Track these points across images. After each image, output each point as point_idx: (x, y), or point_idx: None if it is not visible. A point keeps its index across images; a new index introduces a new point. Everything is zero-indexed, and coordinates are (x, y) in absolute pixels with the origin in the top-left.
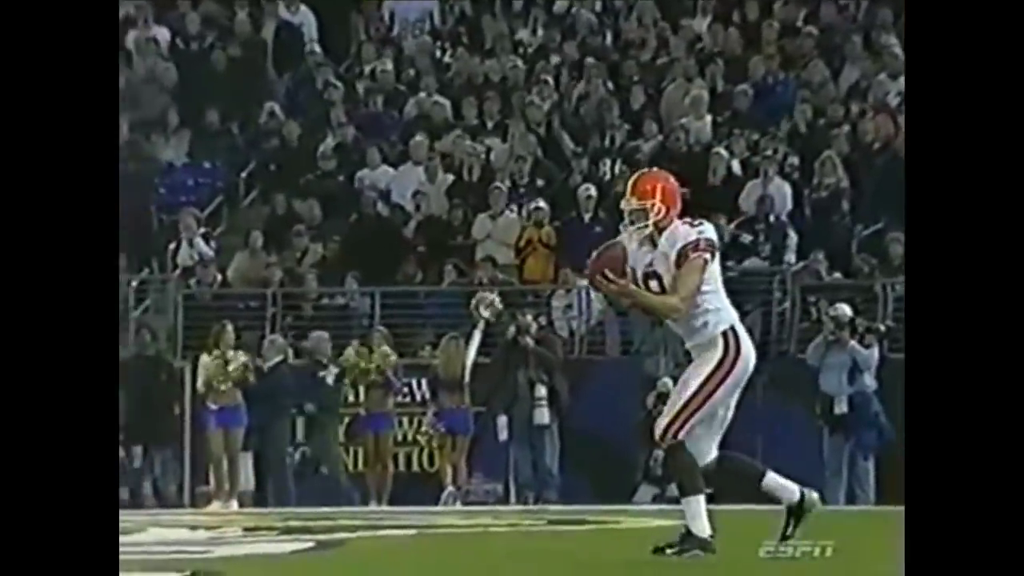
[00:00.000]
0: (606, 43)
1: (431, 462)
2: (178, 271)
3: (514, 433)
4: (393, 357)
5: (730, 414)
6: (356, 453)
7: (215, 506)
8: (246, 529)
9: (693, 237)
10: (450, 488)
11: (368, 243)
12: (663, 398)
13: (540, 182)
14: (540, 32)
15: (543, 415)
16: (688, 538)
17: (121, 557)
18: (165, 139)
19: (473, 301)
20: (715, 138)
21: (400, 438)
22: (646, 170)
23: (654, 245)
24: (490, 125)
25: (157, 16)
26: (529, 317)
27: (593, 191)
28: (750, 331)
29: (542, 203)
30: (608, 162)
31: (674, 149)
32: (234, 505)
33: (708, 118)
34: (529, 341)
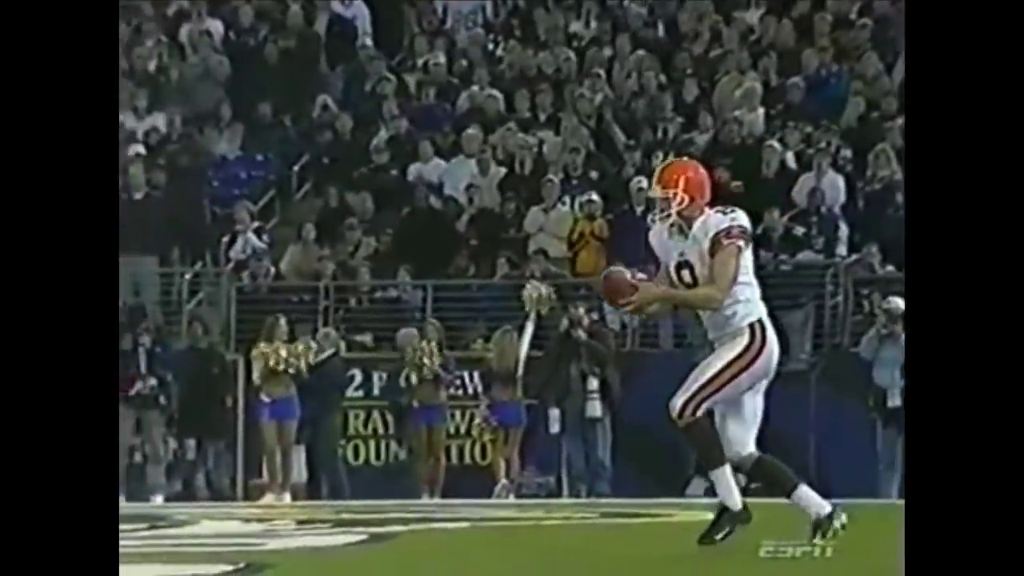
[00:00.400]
0: (659, 35)
1: (484, 455)
2: (231, 264)
3: (567, 426)
4: (445, 350)
5: (760, 406)
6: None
7: (268, 498)
8: (299, 522)
9: (725, 224)
10: (503, 481)
11: (420, 236)
12: None
13: (593, 175)
14: (593, 24)
15: (595, 408)
16: (725, 516)
17: (175, 549)
18: (218, 132)
19: (529, 294)
20: (768, 131)
21: (453, 431)
22: (673, 159)
23: (685, 235)
24: (543, 118)
25: (211, 10)
26: (581, 310)
27: (645, 184)
28: (803, 324)
29: (595, 196)
30: (661, 155)
31: (727, 142)
32: (287, 498)
33: (761, 111)
34: (581, 334)
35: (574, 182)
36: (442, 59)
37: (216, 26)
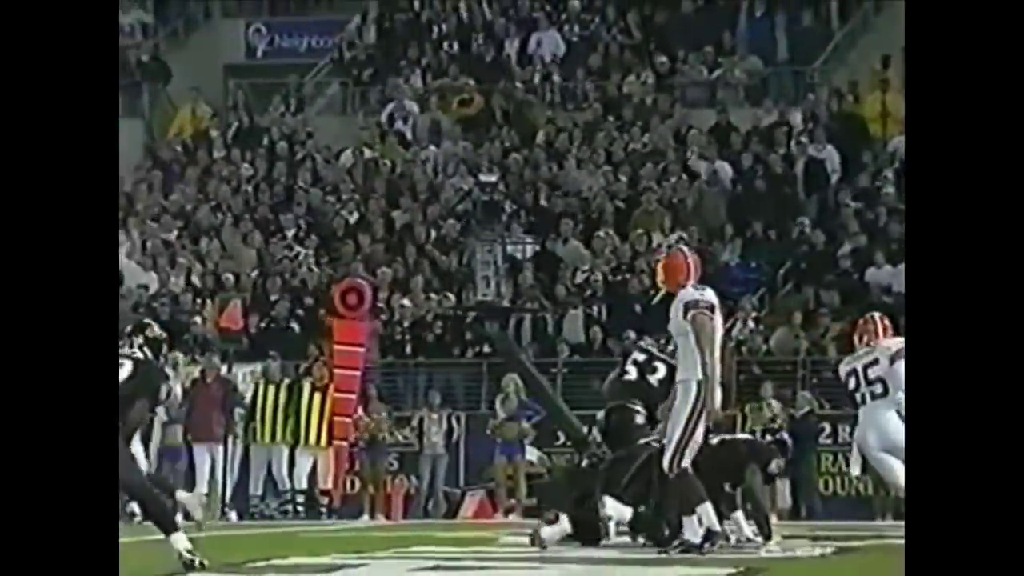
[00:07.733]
0: None
1: None
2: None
3: None
4: None
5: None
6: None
7: None
8: (784, 537)
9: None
10: None
11: None
12: None
13: None
14: None
15: None
16: (713, 536)
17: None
18: (723, 244)
19: None
20: None
21: None
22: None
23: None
24: None
25: (719, 154)
26: None
27: None
28: None
29: None
30: None
31: None
32: (774, 519)
33: None
34: None
35: None
36: (891, 189)
37: (724, 168)
